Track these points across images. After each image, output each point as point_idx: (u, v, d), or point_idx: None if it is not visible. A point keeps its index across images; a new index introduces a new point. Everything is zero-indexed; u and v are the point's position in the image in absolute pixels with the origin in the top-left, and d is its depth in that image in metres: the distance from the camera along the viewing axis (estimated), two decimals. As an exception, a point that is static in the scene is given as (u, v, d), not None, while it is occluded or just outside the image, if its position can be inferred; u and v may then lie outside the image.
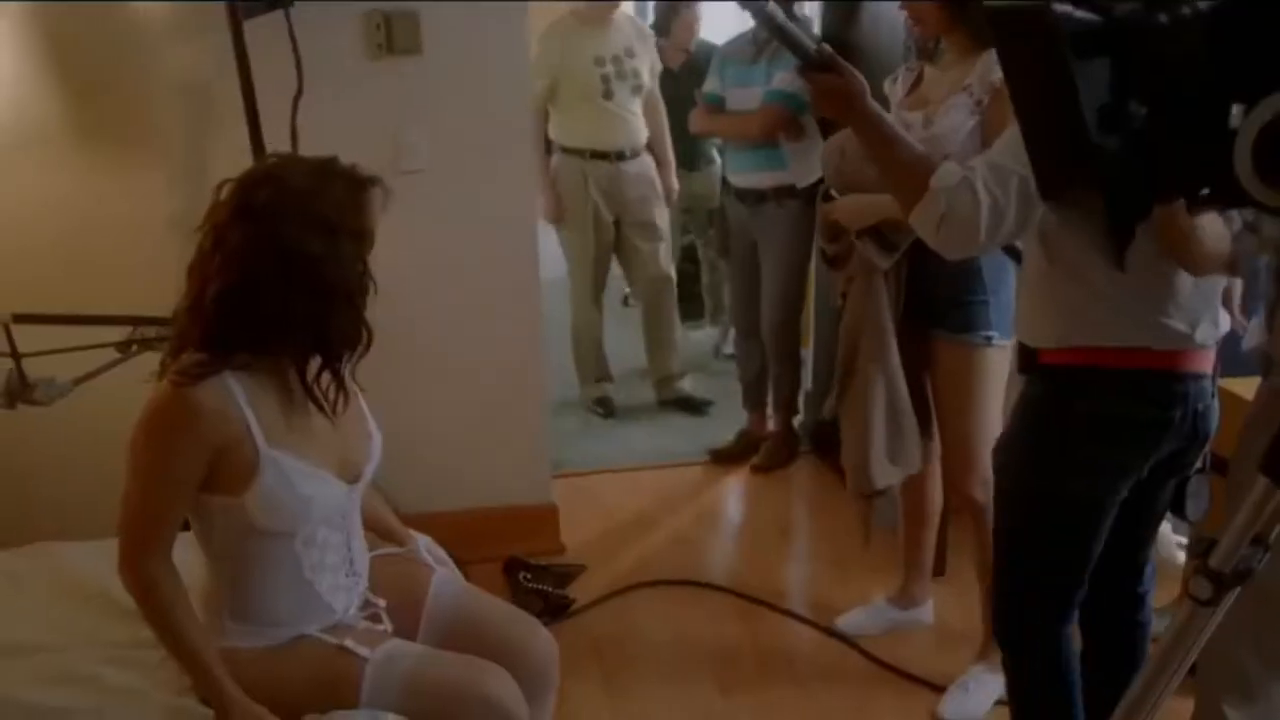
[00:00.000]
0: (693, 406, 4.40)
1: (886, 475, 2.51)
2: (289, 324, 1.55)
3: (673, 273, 4.38)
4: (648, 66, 4.06)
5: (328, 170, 1.58)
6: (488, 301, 3.12)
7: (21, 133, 2.60)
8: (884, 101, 2.51)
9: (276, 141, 2.58)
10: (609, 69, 3.97)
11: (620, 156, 4.07)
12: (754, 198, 3.67)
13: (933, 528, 2.80)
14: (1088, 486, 1.78)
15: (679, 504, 3.67)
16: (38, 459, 2.36)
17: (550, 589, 3.02)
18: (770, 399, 3.96)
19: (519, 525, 3.27)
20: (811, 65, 1.65)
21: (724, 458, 3.97)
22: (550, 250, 6.69)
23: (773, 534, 3.48)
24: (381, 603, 1.79)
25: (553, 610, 2.97)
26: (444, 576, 1.87)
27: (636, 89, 4.03)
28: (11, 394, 2.29)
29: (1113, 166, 0.93)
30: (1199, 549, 1.12)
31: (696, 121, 3.76)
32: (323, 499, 1.61)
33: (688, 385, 4.48)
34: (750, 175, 3.66)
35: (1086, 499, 1.79)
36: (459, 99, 2.94)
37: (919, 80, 2.38)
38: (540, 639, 1.82)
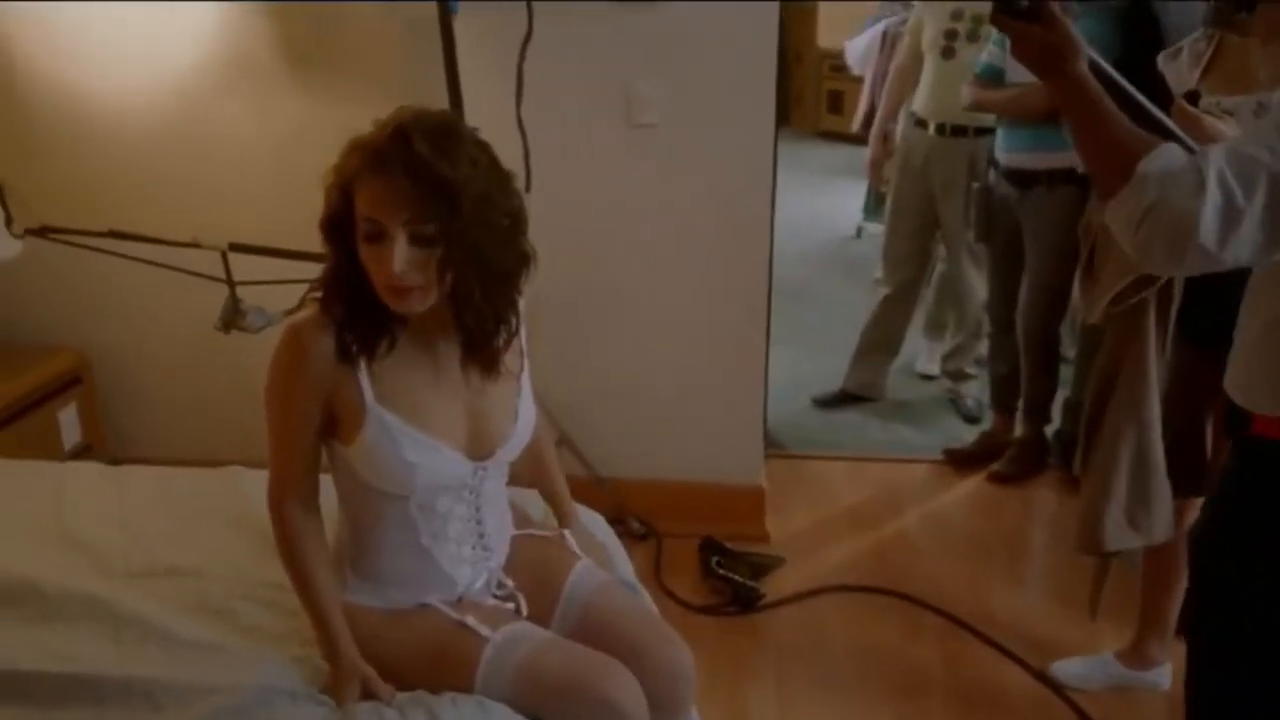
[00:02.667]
0: (965, 414, 4.01)
1: (1120, 539, 2.19)
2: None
3: (972, 273, 3.93)
4: None
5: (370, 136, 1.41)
6: (714, 266, 2.97)
7: (239, 64, 2.67)
8: (1157, 82, 2.12)
9: (504, 86, 2.54)
10: (961, 26, 3.59)
11: (941, 130, 3.73)
12: (1024, 179, 3.30)
13: (1181, 581, 2.41)
14: None
15: (902, 504, 3.40)
16: (248, 384, 2.44)
17: (742, 579, 2.86)
18: (1021, 402, 3.59)
19: (722, 504, 3.13)
20: (1010, 10, 1.35)
21: (960, 459, 3.64)
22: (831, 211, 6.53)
23: (1000, 553, 3.16)
24: (510, 583, 1.70)
25: (740, 602, 2.82)
26: (586, 568, 1.75)
27: None
28: (226, 320, 2.38)
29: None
30: None
31: (969, 96, 3.40)
32: (430, 469, 1.53)
33: (970, 390, 4.08)
34: (1023, 155, 3.29)
35: None
36: (698, 51, 2.77)
37: (1217, 54, 1.98)
38: (677, 652, 1.66)
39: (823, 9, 9.25)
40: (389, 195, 1.38)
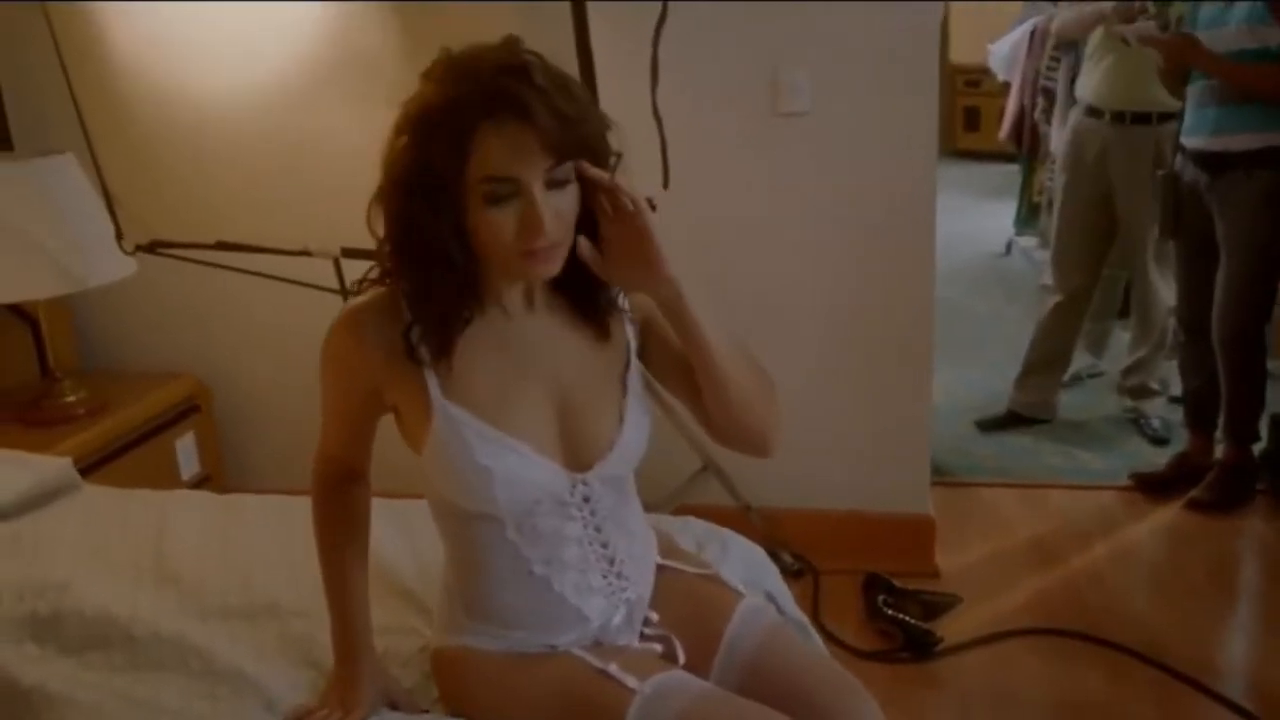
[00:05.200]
0: (1150, 436, 3.58)
1: None
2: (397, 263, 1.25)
3: (1156, 276, 3.54)
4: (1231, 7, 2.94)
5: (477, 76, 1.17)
6: (872, 269, 2.67)
7: (350, 60, 2.50)
8: None
9: (637, 71, 2.30)
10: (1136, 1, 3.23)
11: (1119, 118, 3.37)
12: (1216, 163, 2.91)
13: None
14: None
15: (1089, 536, 3.01)
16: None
17: (914, 620, 2.52)
18: (1221, 419, 3.17)
19: (886, 537, 2.80)
20: None
21: (1153, 485, 3.22)
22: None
23: (1210, 591, 2.74)
24: (655, 616, 1.43)
25: (913, 646, 2.48)
26: (752, 607, 1.45)
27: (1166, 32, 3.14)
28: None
29: None
30: None
31: (1172, 52, 3.00)
32: (510, 476, 1.27)
33: (1154, 408, 3.66)
34: (1215, 137, 2.91)
35: None
36: (850, 31, 2.50)
37: None
38: (865, 709, 1.35)
39: (955, 23, 8.86)
40: (523, 144, 1.15)
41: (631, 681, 1.28)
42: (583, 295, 1.33)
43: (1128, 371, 3.72)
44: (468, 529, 1.33)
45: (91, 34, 2.56)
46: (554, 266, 1.23)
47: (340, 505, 1.41)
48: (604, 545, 1.37)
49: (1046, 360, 3.68)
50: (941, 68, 8.73)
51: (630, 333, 1.39)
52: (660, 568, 1.48)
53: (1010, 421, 3.70)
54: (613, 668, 1.30)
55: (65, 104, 2.27)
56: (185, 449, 2.75)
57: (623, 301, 1.38)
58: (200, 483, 2.79)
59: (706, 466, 2.70)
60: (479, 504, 1.29)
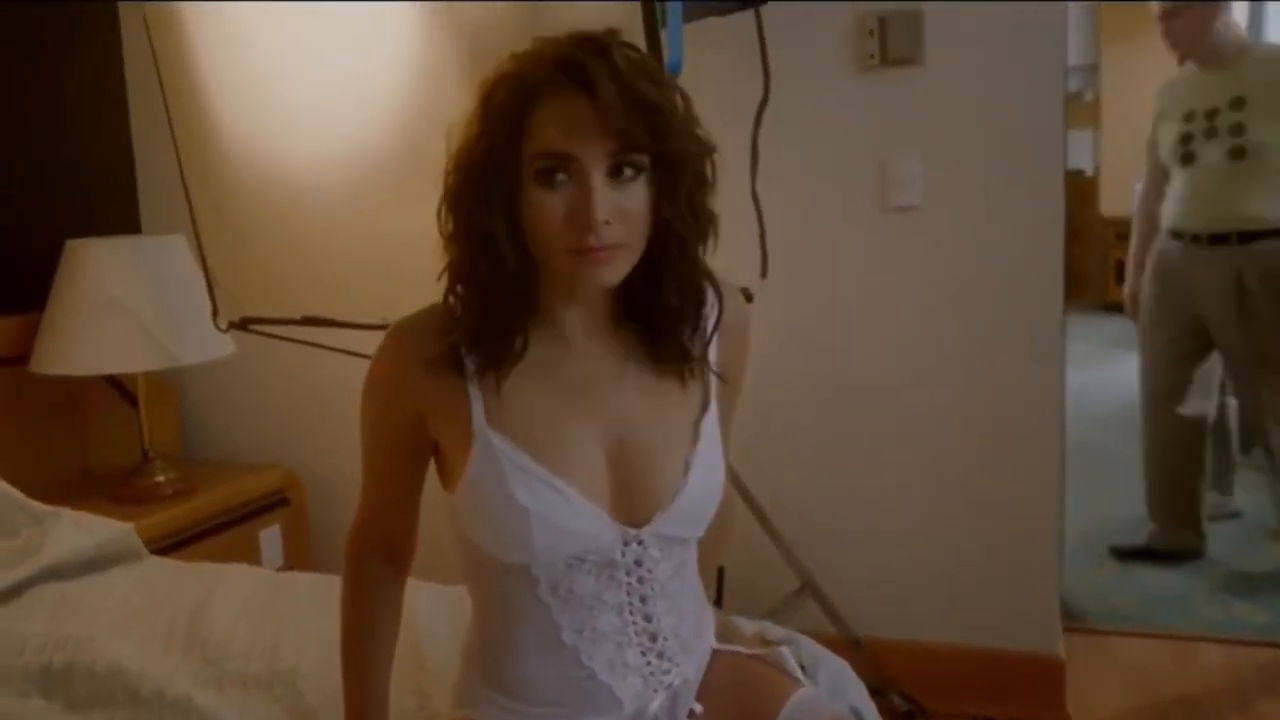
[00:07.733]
0: None
1: None
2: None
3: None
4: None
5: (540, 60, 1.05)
6: (992, 380, 2.45)
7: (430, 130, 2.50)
8: None
9: (735, 158, 2.22)
10: (1194, 126, 3.11)
11: (1195, 240, 3.16)
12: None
13: None
14: None
15: (1253, 695, 2.62)
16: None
17: (1036, 771, 2.21)
18: None
19: (1009, 678, 2.50)
20: None
21: (1329, 644, 2.84)
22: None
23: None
24: (698, 707, 1.22)
25: (1035, 801, 2.17)
26: (810, 698, 1.24)
27: (1238, 152, 3.02)
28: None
29: None
30: None
31: None
32: (552, 520, 1.10)
33: None
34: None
35: None
36: (966, 123, 2.36)
37: None
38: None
39: (1104, 176, 8.68)
40: (583, 120, 1.01)
41: (665, 774, 1.10)
42: (657, 331, 1.15)
43: None
44: (497, 585, 1.17)
45: (200, 123, 2.64)
46: (610, 273, 1.06)
47: (372, 590, 1.24)
48: (647, 619, 1.18)
49: (1174, 493, 3.41)
50: (1093, 221, 8.53)
51: (713, 376, 1.21)
52: (714, 652, 1.30)
53: (1148, 555, 3.38)
54: (642, 756, 1.12)
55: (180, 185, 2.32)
56: (270, 540, 2.69)
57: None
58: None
59: (805, 587, 2.48)
60: (512, 552, 1.12)
